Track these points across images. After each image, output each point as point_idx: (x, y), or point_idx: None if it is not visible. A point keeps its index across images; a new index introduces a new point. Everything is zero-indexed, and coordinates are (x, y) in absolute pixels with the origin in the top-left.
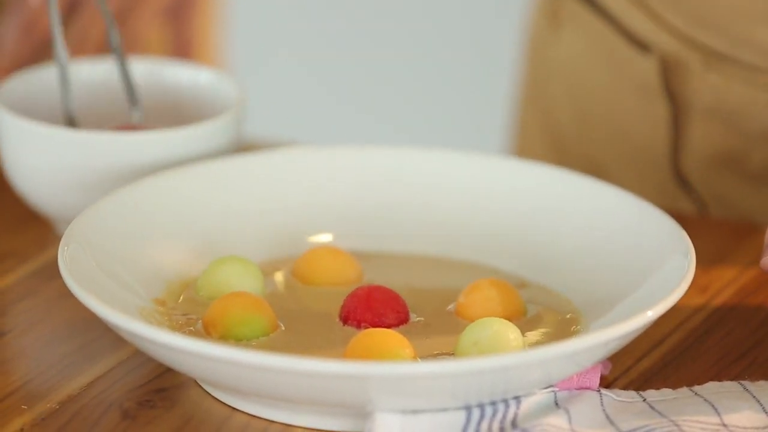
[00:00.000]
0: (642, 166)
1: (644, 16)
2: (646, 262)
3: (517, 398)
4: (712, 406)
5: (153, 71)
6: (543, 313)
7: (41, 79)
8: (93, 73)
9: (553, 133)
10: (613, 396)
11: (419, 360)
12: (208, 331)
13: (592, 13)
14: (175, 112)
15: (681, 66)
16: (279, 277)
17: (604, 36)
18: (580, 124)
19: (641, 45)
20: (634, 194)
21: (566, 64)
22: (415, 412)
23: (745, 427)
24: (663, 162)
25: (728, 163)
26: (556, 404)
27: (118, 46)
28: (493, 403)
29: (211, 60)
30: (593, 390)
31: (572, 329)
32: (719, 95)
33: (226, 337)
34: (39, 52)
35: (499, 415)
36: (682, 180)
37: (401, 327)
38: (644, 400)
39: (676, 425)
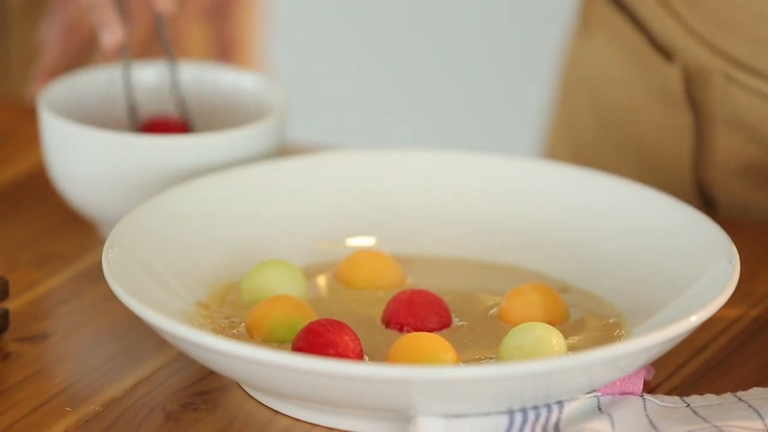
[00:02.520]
0: (660, 175)
1: (670, 20)
2: (689, 267)
3: (560, 403)
4: (757, 411)
5: (198, 75)
6: (586, 317)
7: (85, 82)
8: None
9: (575, 142)
10: (657, 401)
11: (462, 364)
12: (250, 334)
13: (621, 16)
14: (220, 116)
15: (704, 76)
16: (321, 280)
17: (631, 41)
18: (601, 132)
19: (666, 52)
20: (680, 199)
21: (593, 70)
22: (457, 416)
23: None
24: (683, 172)
25: (750, 175)
26: (599, 409)
27: (168, 47)
28: (536, 408)
29: (252, 61)
30: (636, 395)
31: (615, 334)
32: (740, 109)
33: (268, 340)
34: (80, 55)
35: (542, 420)
36: (702, 190)
37: (444, 331)
38: (688, 405)
39: (720, 431)
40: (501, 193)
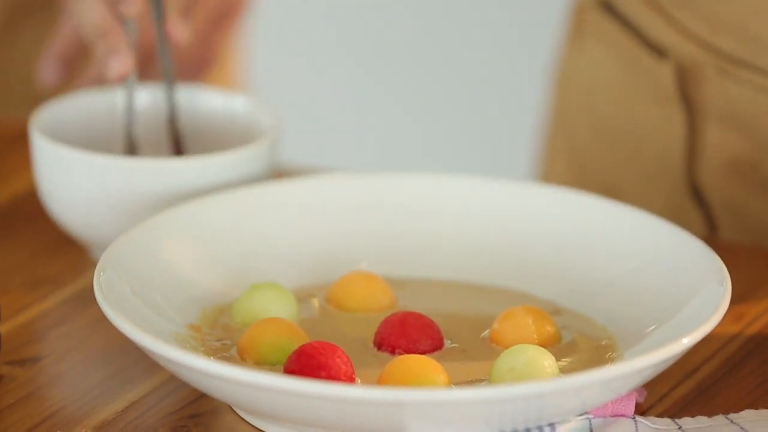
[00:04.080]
0: (655, 177)
1: (663, 21)
2: (681, 289)
3: (551, 425)
4: None
5: (189, 97)
6: (578, 339)
7: (77, 105)
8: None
9: (574, 152)
10: (648, 423)
11: (454, 386)
12: (242, 356)
13: (613, 21)
14: (211, 139)
15: (697, 72)
16: (313, 303)
17: (625, 46)
18: (598, 140)
19: (659, 50)
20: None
21: (588, 79)
22: None
23: None
24: (676, 171)
25: (742, 172)
26: (591, 431)
27: (169, 74)
28: (528, 430)
29: (238, 84)
30: (628, 417)
31: (607, 356)
32: (734, 102)
33: (260, 363)
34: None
35: None
36: (695, 189)
37: (435, 353)
38: (680, 428)
39: None
40: (493, 215)
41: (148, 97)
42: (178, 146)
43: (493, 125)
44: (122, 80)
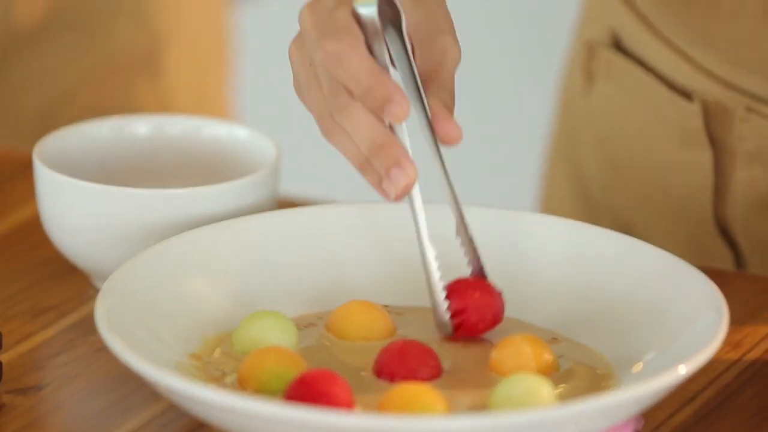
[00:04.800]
0: (677, 215)
1: (683, 63)
2: (678, 317)
3: None
4: None
5: (191, 127)
6: (575, 368)
7: (80, 135)
8: (136, 129)
9: (581, 189)
10: None
11: (453, 414)
12: (242, 385)
13: (629, 63)
14: (213, 168)
15: (723, 111)
16: (313, 331)
17: (643, 84)
18: (609, 177)
19: (682, 92)
20: (667, 250)
21: (598, 117)
22: None
23: None
24: (702, 210)
25: None
26: None
27: (447, 176)
28: None
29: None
30: None
31: (605, 384)
32: (762, 140)
33: (260, 391)
34: None
35: None
36: (722, 229)
37: (434, 381)
38: None
39: None
40: (490, 244)
41: (175, 127)
42: (476, 258)
43: (498, 158)
44: (406, 194)
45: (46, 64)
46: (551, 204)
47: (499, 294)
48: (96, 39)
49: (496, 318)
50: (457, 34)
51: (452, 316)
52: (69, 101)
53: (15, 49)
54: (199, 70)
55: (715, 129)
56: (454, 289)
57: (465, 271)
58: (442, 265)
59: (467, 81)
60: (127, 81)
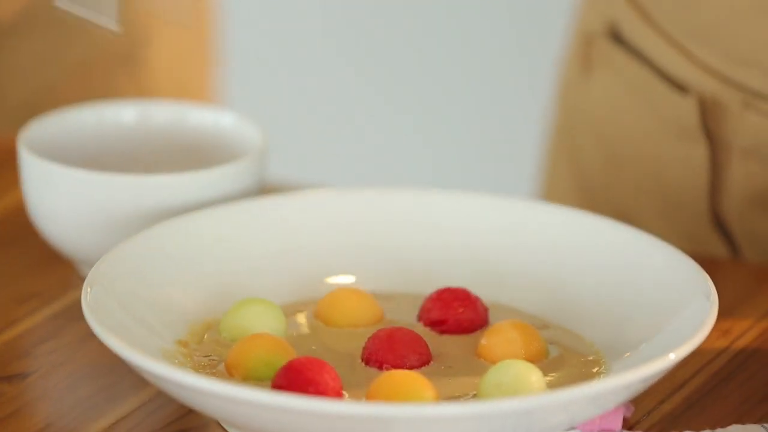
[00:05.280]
0: (674, 208)
1: (680, 56)
2: (668, 304)
3: None
4: None
5: (176, 113)
6: (565, 354)
7: (65, 121)
8: (121, 116)
9: (580, 178)
10: None
11: (442, 402)
12: (230, 372)
13: (627, 55)
14: (198, 155)
15: (719, 106)
16: (301, 318)
17: (639, 77)
18: (608, 167)
19: (678, 85)
20: (657, 236)
21: (596, 108)
22: None
23: None
24: (698, 204)
25: (767, 204)
26: None
27: None
28: None
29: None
30: None
31: (594, 371)
32: (758, 135)
33: (248, 378)
34: None
35: None
36: (718, 223)
37: (423, 368)
38: None
39: None
40: (480, 230)
41: (160, 114)
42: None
43: (495, 151)
44: None
45: (29, 57)
46: (551, 193)
47: (484, 308)
48: (79, 31)
49: (476, 329)
50: (456, 23)
51: (432, 325)
52: (52, 93)
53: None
54: (182, 61)
55: (710, 124)
56: (437, 298)
57: (451, 276)
58: (425, 267)
59: (467, 70)
60: (109, 73)
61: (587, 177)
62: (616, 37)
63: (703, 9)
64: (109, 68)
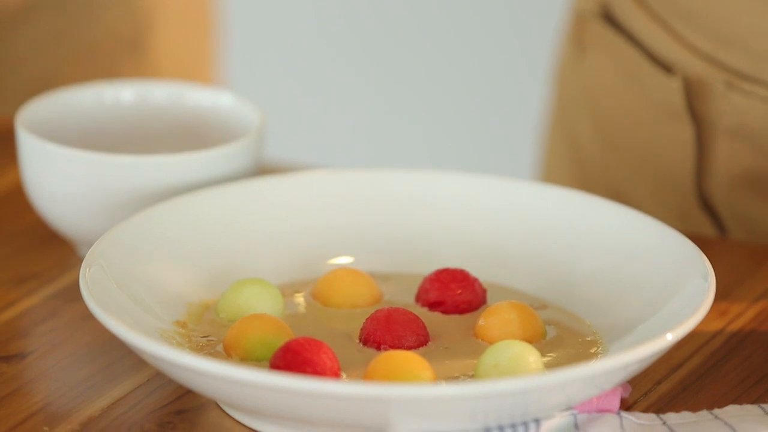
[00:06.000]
0: (664, 189)
1: (668, 37)
2: (665, 285)
3: (536, 420)
4: (732, 428)
5: (174, 94)
6: (562, 335)
7: (63, 101)
8: (119, 96)
9: (577, 159)
10: (633, 419)
11: (439, 382)
12: (228, 353)
13: (617, 35)
14: (197, 135)
15: (704, 86)
16: (299, 299)
17: (629, 58)
18: (603, 148)
19: (665, 66)
20: (654, 217)
21: (590, 88)
22: None
23: None
24: (686, 184)
25: (752, 184)
26: (576, 427)
27: None
28: (513, 425)
29: (217, 80)
30: (613, 413)
31: (592, 352)
32: (742, 115)
33: (246, 359)
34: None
35: None
36: (705, 202)
37: (421, 349)
38: (664, 423)
39: None
40: (478, 211)
41: (158, 94)
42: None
43: (492, 131)
44: None
45: (33, 41)
46: (549, 173)
47: (482, 289)
48: (81, 17)
49: (474, 309)
50: (453, 4)
51: (430, 307)
52: (54, 80)
53: (1, 27)
54: (185, 46)
55: (696, 104)
56: (435, 279)
57: (449, 257)
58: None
59: (464, 51)
60: (111, 59)
61: (583, 157)
62: (609, 18)
63: None
64: (112, 52)
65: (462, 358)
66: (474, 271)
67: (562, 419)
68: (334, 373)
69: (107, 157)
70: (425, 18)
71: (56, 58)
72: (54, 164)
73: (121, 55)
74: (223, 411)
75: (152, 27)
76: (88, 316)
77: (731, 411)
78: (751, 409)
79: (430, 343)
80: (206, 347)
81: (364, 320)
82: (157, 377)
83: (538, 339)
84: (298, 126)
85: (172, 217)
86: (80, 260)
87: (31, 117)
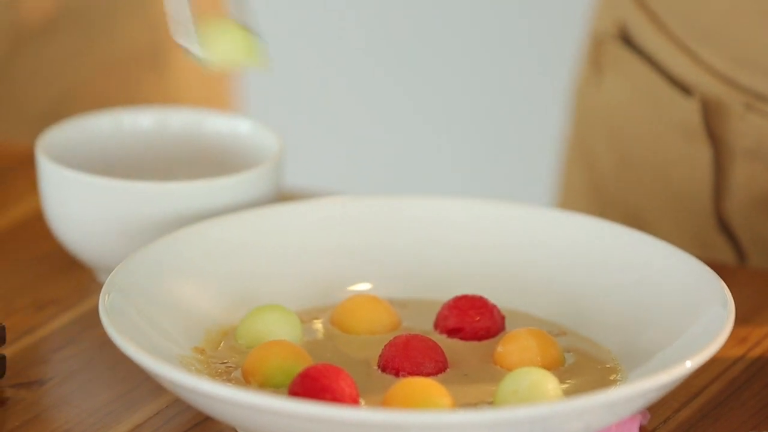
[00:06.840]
0: (682, 211)
1: (686, 58)
2: (684, 312)
3: None
4: None
5: (194, 120)
6: (581, 362)
7: (82, 128)
8: (139, 123)
9: (595, 181)
10: None
11: (458, 409)
12: (246, 379)
13: (635, 56)
14: (215, 162)
15: (723, 108)
16: (317, 325)
17: (647, 79)
18: (621, 170)
19: (683, 87)
20: (674, 244)
21: (608, 109)
22: None
23: None
24: (704, 207)
25: None
26: None
27: None
28: None
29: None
30: None
31: (611, 379)
32: (761, 137)
33: (264, 385)
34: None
35: None
36: (723, 225)
37: (440, 376)
38: None
39: None
40: (497, 238)
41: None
42: None
43: (510, 153)
44: None
45: (53, 60)
46: (567, 195)
47: (501, 316)
48: (102, 34)
49: (493, 335)
50: (470, 26)
51: (449, 333)
52: (75, 97)
53: (22, 45)
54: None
55: (714, 126)
56: (454, 306)
57: (468, 284)
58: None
59: (483, 75)
60: (132, 77)
61: (601, 179)
62: (626, 39)
63: (709, 12)
64: (132, 71)
65: (481, 385)
66: (492, 297)
67: None
68: (353, 400)
69: (127, 183)
70: (442, 43)
71: (76, 77)
72: (74, 191)
73: (142, 73)
74: None
75: (172, 46)
76: (108, 343)
77: None
78: None
79: (448, 369)
80: (225, 374)
81: (382, 347)
82: (176, 403)
83: (556, 366)
84: (316, 152)
85: (191, 243)
86: (99, 287)
87: (50, 143)
